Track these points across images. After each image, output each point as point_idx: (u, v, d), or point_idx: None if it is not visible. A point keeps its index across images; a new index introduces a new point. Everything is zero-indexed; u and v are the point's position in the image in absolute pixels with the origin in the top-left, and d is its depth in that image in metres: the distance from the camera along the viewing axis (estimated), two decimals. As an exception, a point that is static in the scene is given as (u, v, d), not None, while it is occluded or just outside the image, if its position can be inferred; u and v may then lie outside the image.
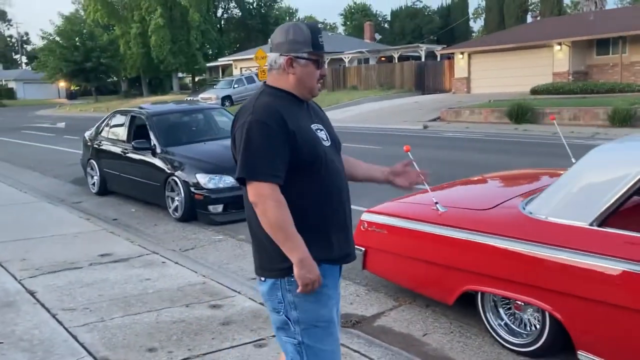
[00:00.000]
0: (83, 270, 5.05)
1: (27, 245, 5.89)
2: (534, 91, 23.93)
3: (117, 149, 8.37)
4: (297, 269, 2.08)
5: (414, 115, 22.39)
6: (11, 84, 64.56)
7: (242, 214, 7.54)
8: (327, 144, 2.26)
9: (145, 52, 45.58)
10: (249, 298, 4.34)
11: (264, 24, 53.60)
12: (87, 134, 9.59)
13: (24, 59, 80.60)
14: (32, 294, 4.42)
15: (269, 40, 2.31)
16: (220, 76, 42.46)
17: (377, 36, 46.92)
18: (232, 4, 56.87)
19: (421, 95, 30.33)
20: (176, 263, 5.27)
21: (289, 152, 2.12)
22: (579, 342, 3.16)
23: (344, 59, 36.82)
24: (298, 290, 2.11)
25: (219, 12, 56.51)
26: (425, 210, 3.95)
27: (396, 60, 34.92)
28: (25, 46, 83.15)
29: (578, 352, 3.17)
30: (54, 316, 3.98)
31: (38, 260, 5.34)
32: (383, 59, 37.58)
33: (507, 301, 3.57)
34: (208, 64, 45.84)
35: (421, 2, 51.79)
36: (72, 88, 57.73)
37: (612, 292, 2.93)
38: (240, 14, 56.97)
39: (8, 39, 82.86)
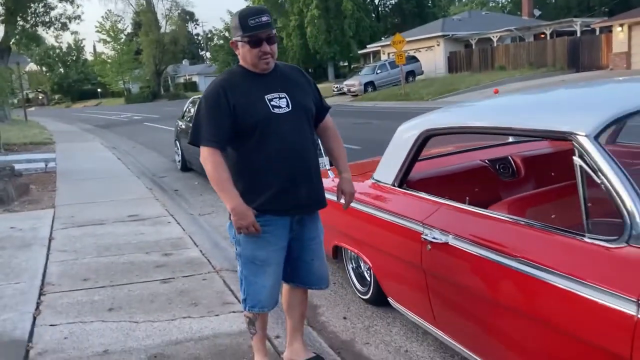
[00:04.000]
0: (104, 226, 6.29)
1: (86, 206, 7.36)
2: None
3: (188, 130, 9.70)
4: (231, 215, 2.56)
5: (546, 95, 21.16)
6: (195, 78, 71.89)
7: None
8: (281, 110, 2.60)
9: (303, 43, 48.14)
10: (200, 250, 5.19)
11: (420, 7, 53.27)
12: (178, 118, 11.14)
13: (208, 55, 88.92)
14: (50, 239, 5.73)
15: None
16: (372, 62, 43.32)
17: (537, 12, 44.14)
18: (389, -10, 57.30)
19: (574, 73, 28.36)
20: (178, 223, 6.28)
21: (233, 120, 2.53)
22: (386, 289, 3.54)
23: (492, 38, 35.50)
24: (235, 233, 2.63)
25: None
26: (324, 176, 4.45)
27: (549, 37, 32.89)
28: (209, 43, 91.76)
29: (388, 299, 3.54)
30: (47, 255, 5.20)
31: (81, 217, 6.72)
32: (542, 36, 35.51)
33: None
34: (360, 51, 46.99)
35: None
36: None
37: (395, 246, 3.27)
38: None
39: (195, 37, 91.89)
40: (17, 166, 10.34)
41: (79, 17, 28.00)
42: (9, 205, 7.57)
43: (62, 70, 78.12)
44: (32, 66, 70.31)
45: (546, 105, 2.78)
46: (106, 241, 5.60)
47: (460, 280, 2.67)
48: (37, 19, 25.44)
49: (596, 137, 2.09)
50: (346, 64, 54.85)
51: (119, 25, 67.10)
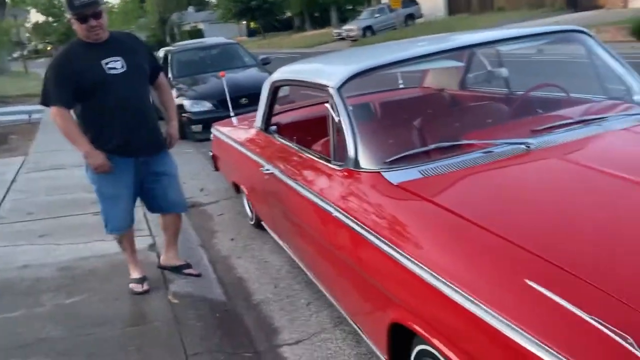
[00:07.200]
0: (63, 170, 7.06)
1: (54, 153, 8.11)
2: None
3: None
4: (86, 158, 3.25)
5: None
6: (200, 25, 71.33)
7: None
8: (117, 71, 3.18)
9: (305, -13, 47.67)
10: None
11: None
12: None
13: (214, 1, 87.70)
14: (12, 182, 6.53)
15: None
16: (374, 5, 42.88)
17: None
18: None
19: (571, 13, 28.12)
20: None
21: (75, 83, 3.11)
22: (257, 213, 4.29)
23: (492, -22, 34.96)
24: (91, 173, 3.30)
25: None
26: (229, 123, 5.11)
27: (549, -24, 32.35)
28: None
29: (261, 222, 4.30)
30: (5, 194, 6.01)
31: (46, 163, 7.52)
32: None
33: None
34: (363, -5, 46.48)
35: None
36: (251, 26, 62.40)
37: (253, 177, 3.97)
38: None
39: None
40: (4, 117, 11.12)
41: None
42: (-14, 154, 8.38)
43: (68, 20, 77.95)
44: (38, 17, 70.28)
45: (331, 64, 3.38)
46: (59, 183, 6.39)
47: (280, 200, 3.38)
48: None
49: (339, 89, 2.72)
50: (351, 7, 54.21)
51: (123, -27, 66.63)
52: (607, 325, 1.28)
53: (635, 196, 1.91)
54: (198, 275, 3.77)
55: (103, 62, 3.19)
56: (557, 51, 4.52)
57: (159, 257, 4.10)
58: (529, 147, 2.31)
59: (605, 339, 1.26)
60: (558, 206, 1.92)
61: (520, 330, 1.41)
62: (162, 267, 3.81)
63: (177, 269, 3.77)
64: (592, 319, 1.31)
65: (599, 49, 3.03)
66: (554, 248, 1.63)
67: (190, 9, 72.01)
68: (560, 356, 1.30)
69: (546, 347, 1.33)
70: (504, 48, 3.36)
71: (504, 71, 3.41)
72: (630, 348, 1.21)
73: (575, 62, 3.43)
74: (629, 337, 1.23)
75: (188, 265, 3.81)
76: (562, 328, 1.36)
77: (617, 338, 1.24)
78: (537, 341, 1.36)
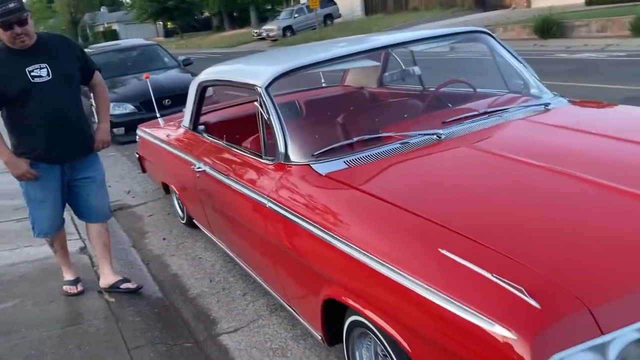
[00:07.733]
0: None
1: None
2: (590, 2, 22.67)
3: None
4: (7, 167, 3.27)
5: (446, 36, 22.18)
6: (114, 26, 69.11)
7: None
8: (42, 79, 3.10)
9: (223, -14, 47.25)
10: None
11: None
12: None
13: (128, 0, 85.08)
14: None
15: None
16: (292, 5, 43.19)
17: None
18: None
19: (480, 13, 29.54)
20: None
21: None
22: (188, 211, 4.40)
23: (406, -21, 36.14)
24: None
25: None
26: (156, 124, 5.16)
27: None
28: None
29: (193, 220, 4.39)
30: None
31: None
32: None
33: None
34: (281, -5, 46.68)
35: None
36: (167, 26, 61.07)
37: (184, 176, 4.06)
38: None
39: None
40: None
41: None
42: None
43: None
44: None
45: (257, 65, 3.57)
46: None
47: (213, 197, 3.51)
48: None
49: (267, 88, 2.89)
50: (270, 7, 54.25)
51: (28, -28, 63.39)
52: (505, 280, 1.53)
53: (530, 176, 2.20)
54: (138, 289, 3.61)
55: (28, 69, 3.12)
56: (470, 49, 4.89)
57: (90, 259, 4.12)
58: (439, 137, 2.59)
59: (504, 291, 1.51)
60: (465, 187, 2.19)
61: (436, 292, 1.64)
62: (105, 290, 3.61)
63: (114, 286, 3.60)
64: (493, 276, 1.56)
65: (500, 47, 3.38)
66: (462, 222, 1.88)
67: (103, 9, 69.61)
68: (469, 309, 1.54)
69: (457, 302, 1.57)
70: (417, 48, 3.65)
71: (416, 69, 3.69)
72: (523, 296, 1.47)
73: (484, 59, 3.77)
74: (522, 288, 1.48)
75: (126, 280, 3.64)
76: (470, 286, 1.60)
77: (513, 290, 1.50)
78: (450, 299, 1.59)
